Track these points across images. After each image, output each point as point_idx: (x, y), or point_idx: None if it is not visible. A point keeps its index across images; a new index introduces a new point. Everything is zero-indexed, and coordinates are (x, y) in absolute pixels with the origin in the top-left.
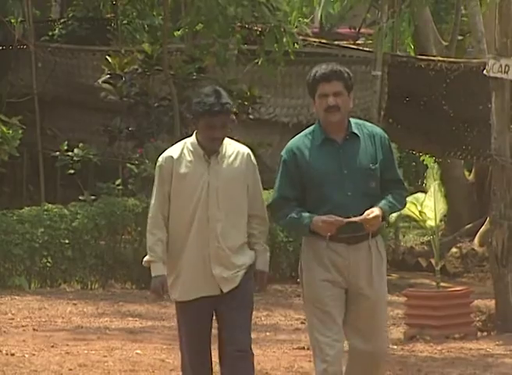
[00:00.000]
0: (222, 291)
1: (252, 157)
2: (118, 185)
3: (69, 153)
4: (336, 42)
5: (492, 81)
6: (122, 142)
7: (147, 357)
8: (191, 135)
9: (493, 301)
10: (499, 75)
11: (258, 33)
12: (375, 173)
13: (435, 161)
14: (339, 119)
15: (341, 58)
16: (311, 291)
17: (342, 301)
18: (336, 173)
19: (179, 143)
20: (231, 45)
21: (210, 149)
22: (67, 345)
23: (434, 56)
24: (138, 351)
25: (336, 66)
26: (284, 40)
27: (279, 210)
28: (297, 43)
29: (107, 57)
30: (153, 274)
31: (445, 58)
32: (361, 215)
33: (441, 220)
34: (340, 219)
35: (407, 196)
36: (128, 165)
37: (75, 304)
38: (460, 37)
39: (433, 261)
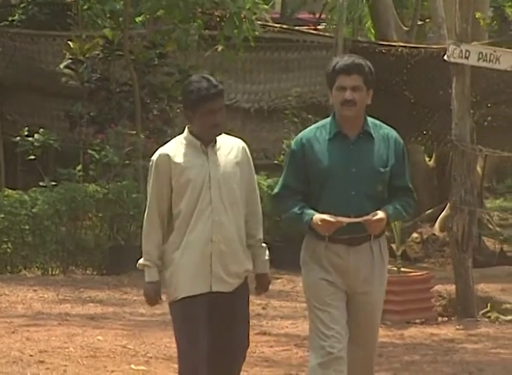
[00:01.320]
0: (212, 289)
1: (247, 150)
2: (79, 171)
3: (30, 138)
4: (297, 28)
5: (453, 67)
6: (83, 128)
7: (108, 343)
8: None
9: (454, 286)
10: (459, 60)
11: (218, 19)
12: (384, 176)
13: None
14: (354, 115)
15: (302, 44)
16: (311, 292)
17: (343, 302)
18: (343, 171)
19: (171, 141)
20: (192, 31)
21: (210, 138)
22: (28, 331)
23: (395, 42)
24: (99, 338)
25: (359, 59)
26: (244, 26)
27: (283, 203)
28: (257, 29)
29: (68, 42)
30: (147, 279)
31: (405, 44)
32: (362, 216)
33: None
34: (341, 219)
35: (414, 205)
36: (89, 150)
37: (35, 290)
38: (420, 23)
39: (394, 246)
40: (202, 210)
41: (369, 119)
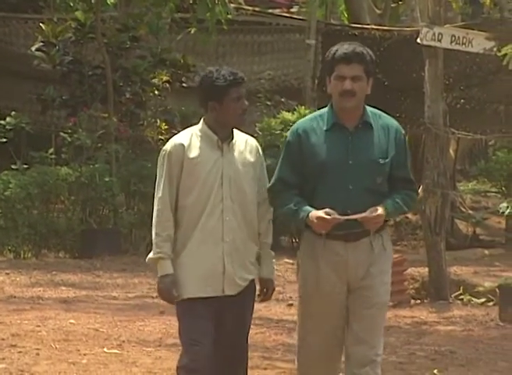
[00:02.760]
0: (224, 292)
1: (260, 150)
2: (51, 154)
3: (2, 122)
4: (270, 10)
5: (426, 49)
6: (56, 111)
7: (80, 326)
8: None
9: (426, 269)
10: (432, 43)
11: (191, 1)
12: (384, 168)
13: None
14: (353, 106)
15: (275, 27)
16: (306, 300)
17: (339, 327)
18: (340, 163)
19: (185, 131)
20: (164, 14)
21: (239, 125)
22: (0, 315)
23: (368, 24)
24: (72, 321)
25: (359, 48)
26: (217, 9)
27: (278, 197)
28: (230, 12)
29: (40, 25)
30: (160, 273)
31: (378, 27)
32: (361, 212)
33: None
34: (338, 216)
35: (416, 198)
36: (61, 134)
37: (8, 273)
38: (393, 5)
39: None
40: (213, 208)
41: (368, 108)
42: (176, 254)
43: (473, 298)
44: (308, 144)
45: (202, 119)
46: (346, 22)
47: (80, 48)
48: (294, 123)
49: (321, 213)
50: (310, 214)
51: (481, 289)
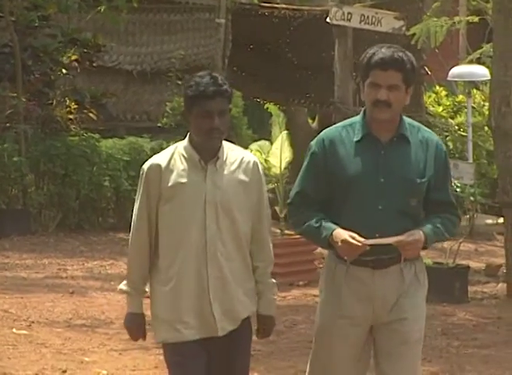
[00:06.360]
0: (219, 333)
1: (260, 167)
2: None
3: None
4: None
5: (335, 29)
6: None
7: None
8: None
9: None
10: (341, 23)
11: None
12: (420, 188)
13: (279, 109)
14: (387, 118)
15: (184, 6)
16: (323, 330)
17: (358, 348)
18: (370, 180)
19: (168, 148)
20: None
21: (208, 148)
22: None
23: (277, 4)
24: None
25: (399, 53)
26: None
27: (297, 213)
28: None
29: None
30: (129, 310)
31: (288, 6)
32: (391, 235)
33: (286, 168)
34: (367, 241)
35: (458, 224)
36: None
37: None
38: None
39: (277, 208)
40: (195, 238)
41: (406, 120)
42: (153, 287)
43: None
44: (335, 157)
45: (188, 135)
46: (256, 1)
47: None
48: None
49: (347, 236)
50: (334, 233)
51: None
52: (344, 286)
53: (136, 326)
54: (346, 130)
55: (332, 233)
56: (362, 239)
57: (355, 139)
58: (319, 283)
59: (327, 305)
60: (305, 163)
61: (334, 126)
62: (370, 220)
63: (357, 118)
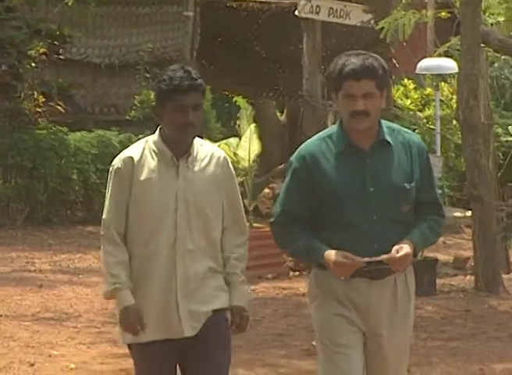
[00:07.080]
0: (185, 334)
1: (229, 162)
2: None
3: None
4: None
5: (304, 22)
6: None
7: None
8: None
9: None
10: (310, 16)
11: None
12: (410, 193)
13: (248, 102)
14: (367, 127)
15: None
16: (325, 329)
17: (361, 344)
18: (359, 191)
19: (138, 142)
20: None
21: (181, 143)
22: None
23: None
24: None
25: (369, 60)
26: None
27: (284, 235)
28: None
29: None
30: (121, 306)
31: None
32: (388, 246)
33: (254, 161)
34: (358, 260)
35: (444, 224)
36: None
37: None
38: None
39: (246, 201)
40: (165, 237)
41: (384, 123)
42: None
43: None
44: (318, 171)
45: (158, 130)
46: None
47: None
48: None
49: (339, 257)
50: (324, 254)
51: None
52: (341, 293)
53: (135, 318)
54: (325, 142)
55: (323, 255)
56: (354, 257)
57: (337, 150)
58: (309, 291)
59: (325, 305)
60: (287, 180)
61: (311, 139)
62: (366, 232)
63: (334, 128)
